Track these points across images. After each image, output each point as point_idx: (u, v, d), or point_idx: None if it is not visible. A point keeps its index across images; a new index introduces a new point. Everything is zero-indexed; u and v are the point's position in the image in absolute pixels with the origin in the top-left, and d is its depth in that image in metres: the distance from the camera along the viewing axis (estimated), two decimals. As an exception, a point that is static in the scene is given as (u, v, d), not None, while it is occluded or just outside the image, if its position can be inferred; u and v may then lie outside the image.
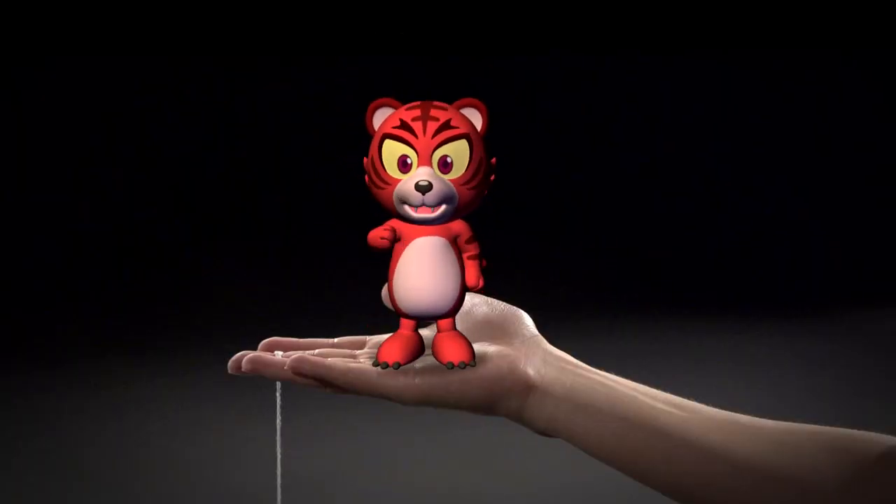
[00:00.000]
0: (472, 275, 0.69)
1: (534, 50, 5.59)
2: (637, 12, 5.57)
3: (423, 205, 0.66)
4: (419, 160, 0.66)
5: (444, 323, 0.70)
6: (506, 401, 0.70)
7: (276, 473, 0.72)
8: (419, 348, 0.70)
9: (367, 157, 0.68)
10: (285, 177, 5.58)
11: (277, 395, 0.70)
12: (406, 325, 0.70)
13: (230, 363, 0.69)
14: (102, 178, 5.46)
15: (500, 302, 0.75)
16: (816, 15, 5.82)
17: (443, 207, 0.66)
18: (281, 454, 0.71)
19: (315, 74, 7.60)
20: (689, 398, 0.73)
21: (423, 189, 0.65)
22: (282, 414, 0.71)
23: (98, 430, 2.93)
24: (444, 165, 0.67)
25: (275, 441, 0.72)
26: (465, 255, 0.69)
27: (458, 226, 0.69)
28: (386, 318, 0.77)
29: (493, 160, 0.69)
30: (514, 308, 0.75)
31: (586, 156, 5.69)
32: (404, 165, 0.66)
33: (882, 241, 5.00)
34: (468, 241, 0.69)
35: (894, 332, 4.04)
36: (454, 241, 0.69)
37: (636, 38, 5.63)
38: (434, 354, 0.70)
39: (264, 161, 5.85)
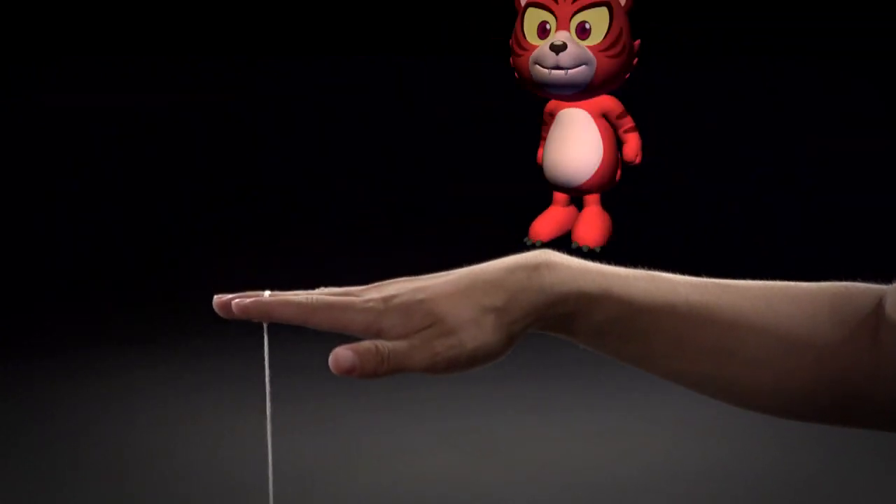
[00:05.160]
0: (632, 148, 0.67)
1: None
2: (638, 13, 5.58)
3: (556, 67, 0.64)
4: (558, 24, 0.65)
5: (590, 197, 0.69)
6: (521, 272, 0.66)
7: (267, 461, 0.66)
8: (567, 224, 0.68)
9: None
10: (285, 176, 5.57)
11: (265, 335, 0.65)
12: (559, 198, 0.69)
13: (218, 303, 0.64)
14: (102, 176, 5.45)
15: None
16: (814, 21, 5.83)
17: (576, 70, 0.65)
18: (272, 439, 0.65)
19: (315, 74, 7.60)
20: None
21: (558, 49, 0.64)
22: (271, 386, 0.65)
23: (92, 421, 2.92)
24: (583, 31, 0.66)
25: (267, 434, 0.66)
26: (620, 130, 0.68)
27: (607, 101, 0.67)
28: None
29: (637, 42, 0.67)
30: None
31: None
32: (543, 31, 0.65)
33: (882, 240, 5.00)
34: (619, 116, 0.68)
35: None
36: (604, 117, 0.67)
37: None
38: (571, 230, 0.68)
39: (264, 160, 5.85)
